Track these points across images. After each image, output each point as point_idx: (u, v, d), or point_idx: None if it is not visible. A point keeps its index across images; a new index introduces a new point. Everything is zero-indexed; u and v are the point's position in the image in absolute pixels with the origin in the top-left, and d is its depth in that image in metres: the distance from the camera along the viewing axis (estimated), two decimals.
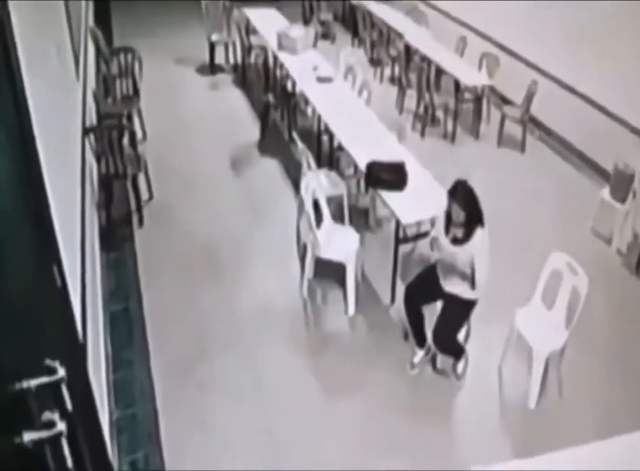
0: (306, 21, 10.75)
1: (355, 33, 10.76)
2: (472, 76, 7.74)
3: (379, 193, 4.93)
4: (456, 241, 3.95)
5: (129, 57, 7.16)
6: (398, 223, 4.71)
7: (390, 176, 4.89)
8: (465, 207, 3.82)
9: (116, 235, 5.60)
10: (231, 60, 9.57)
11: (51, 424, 1.88)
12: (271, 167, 6.87)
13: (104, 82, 7.19)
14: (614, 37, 6.44)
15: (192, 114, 7.98)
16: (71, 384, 2.04)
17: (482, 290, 4.00)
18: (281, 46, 7.75)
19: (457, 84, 7.72)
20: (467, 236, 3.89)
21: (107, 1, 9.89)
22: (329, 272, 5.03)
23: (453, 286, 4.10)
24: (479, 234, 3.88)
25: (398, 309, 4.65)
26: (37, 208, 2.27)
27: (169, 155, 6.87)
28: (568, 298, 4.08)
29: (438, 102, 7.75)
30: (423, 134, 7.71)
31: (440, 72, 8.13)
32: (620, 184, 5.66)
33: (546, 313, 4.25)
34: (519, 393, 4.21)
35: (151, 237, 5.63)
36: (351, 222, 5.30)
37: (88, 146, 5.12)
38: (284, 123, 7.64)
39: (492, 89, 8.06)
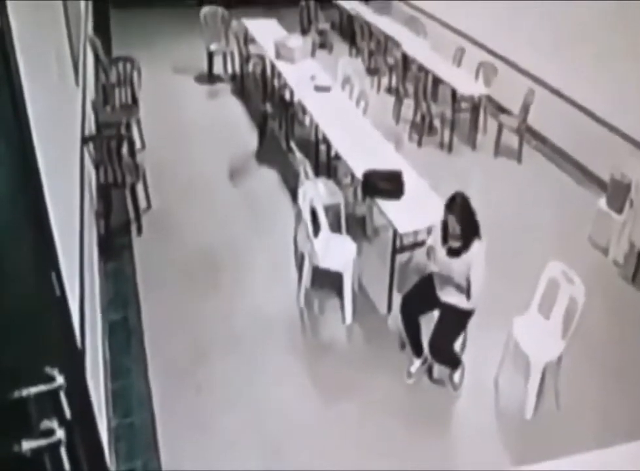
0: (304, 31, 10.77)
1: (352, 43, 10.81)
2: (469, 86, 7.76)
3: (376, 202, 4.95)
4: (452, 253, 3.97)
5: (129, 66, 7.18)
6: (395, 232, 4.72)
7: (387, 185, 4.91)
8: (462, 220, 3.83)
9: (115, 243, 5.61)
10: (230, 69, 9.61)
11: (50, 432, 1.88)
12: (268, 176, 6.88)
13: (103, 91, 7.21)
14: (611, 47, 6.48)
15: (190, 123, 8.00)
16: (70, 392, 2.04)
17: (477, 301, 4.02)
18: (279, 56, 7.78)
19: (454, 94, 7.76)
20: (464, 248, 3.91)
21: (106, 11, 9.94)
22: (326, 281, 5.04)
23: (450, 296, 4.11)
24: (476, 246, 3.90)
25: (395, 318, 4.65)
26: (36, 216, 2.27)
27: (167, 164, 6.89)
28: (565, 308, 4.08)
29: (435, 111, 7.78)
30: (420, 143, 7.74)
31: (437, 81, 8.17)
32: (616, 193, 5.67)
33: (543, 322, 4.25)
34: (516, 402, 4.20)
35: (149, 245, 5.64)
36: (348, 231, 5.30)
37: (86, 155, 5.14)
38: (282, 133, 7.67)
39: (489, 99, 8.09)
